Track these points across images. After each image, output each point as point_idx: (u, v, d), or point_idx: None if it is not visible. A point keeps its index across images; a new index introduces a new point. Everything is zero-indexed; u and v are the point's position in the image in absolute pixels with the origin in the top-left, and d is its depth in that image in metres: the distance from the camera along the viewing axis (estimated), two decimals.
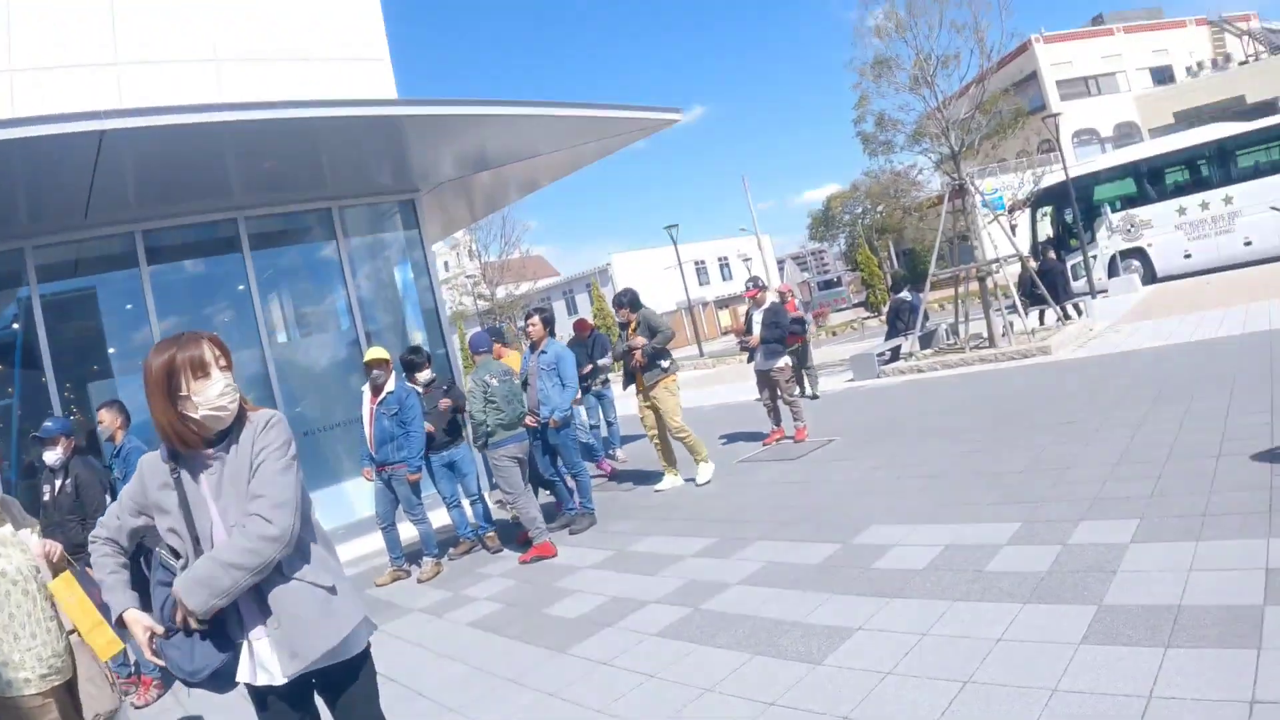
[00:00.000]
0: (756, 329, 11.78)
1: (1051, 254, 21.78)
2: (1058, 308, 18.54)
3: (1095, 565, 5.14)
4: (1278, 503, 5.53)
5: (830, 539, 6.75)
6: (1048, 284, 18.40)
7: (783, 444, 11.57)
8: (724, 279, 70.67)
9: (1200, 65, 60.46)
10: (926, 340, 18.18)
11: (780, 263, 71.86)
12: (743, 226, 65.69)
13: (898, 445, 10.02)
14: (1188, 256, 25.88)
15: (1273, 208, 24.54)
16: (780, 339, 11.67)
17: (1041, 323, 18.95)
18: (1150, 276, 26.22)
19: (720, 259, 71.29)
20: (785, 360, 11.78)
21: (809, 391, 15.36)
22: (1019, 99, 35.11)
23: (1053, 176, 24.87)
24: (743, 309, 14.28)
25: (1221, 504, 5.73)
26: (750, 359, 12.28)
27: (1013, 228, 18.10)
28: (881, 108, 18.06)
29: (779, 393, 11.75)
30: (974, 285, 17.47)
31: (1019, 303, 17.16)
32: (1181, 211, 25.92)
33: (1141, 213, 26.68)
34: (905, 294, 19.81)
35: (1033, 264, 19.93)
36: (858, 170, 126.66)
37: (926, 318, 18.65)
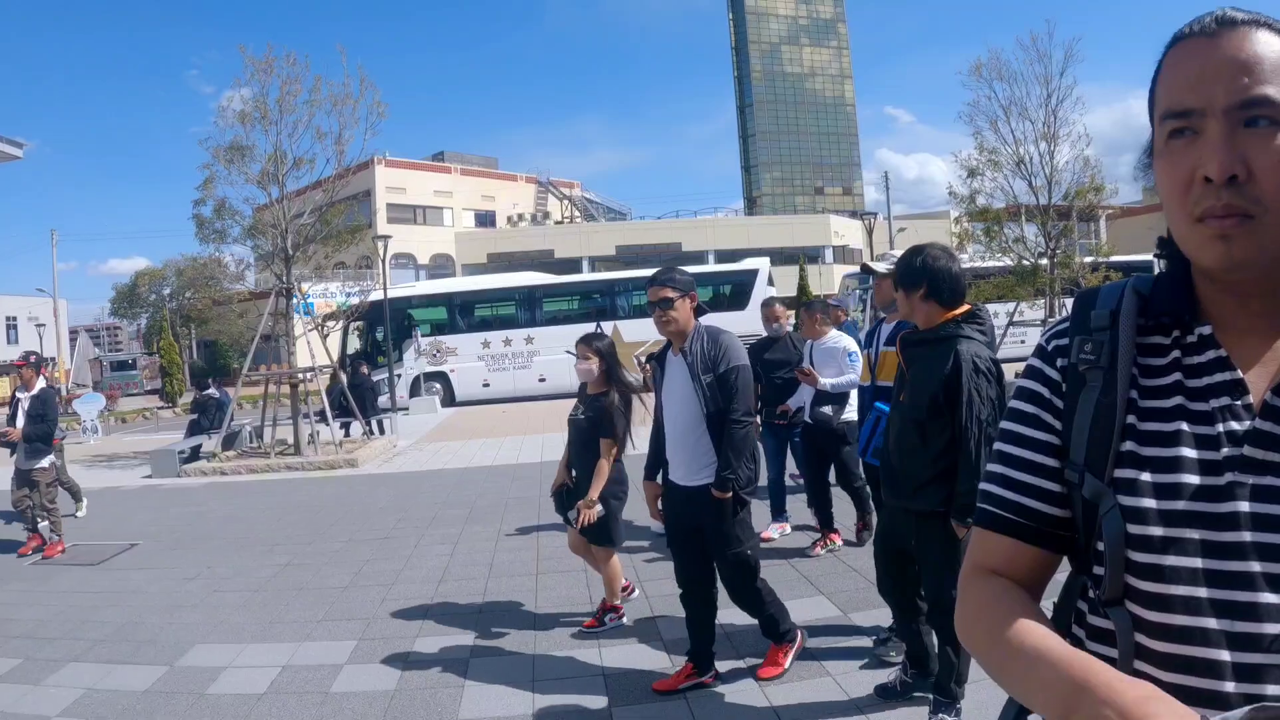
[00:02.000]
0: (21, 419, 9.89)
1: (365, 368, 22.33)
2: (364, 422, 18.96)
3: (442, 681, 5.29)
4: None
5: (153, 661, 6.03)
6: (356, 398, 18.75)
7: (78, 548, 9.97)
8: (10, 342, 61.59)
9: (521, 217, 67.45)
10: (230, 441, 17.47)
11: (73, 334, 65.31)
12: (40, 287, 59.53)
13: (210, 554, 9.34)
14: (486, 385, 28.43)
15: (568, 351, 27.80)
16: (46, 436, 9.96)
17: (347, 435, 19.20)
18: (450, 399, 28.13)
19: (9, 319, 62.48)
20: (50, 460, 10.12)
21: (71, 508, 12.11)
22: (360, 215, 36.17)
23: (375, 294, 25.76)
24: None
25: (552, 618, 6.25)
26: (12, 453, 10.20)
27: (324, 337, 18.28)
28: (227, 194, 17.27)
29: (40, 498, 9.88)
30: (285, 389, 17.29)
31: (329, 413, 17.25)
32: (486, 345, 28.40)
33: (449, 340, 28.67)
34: (213, 390, 19.04)
35: (343, 376, 20.27)
36: (173, 249, 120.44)
37: (232, 417, 18.02)
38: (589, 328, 28.15)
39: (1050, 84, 19.91)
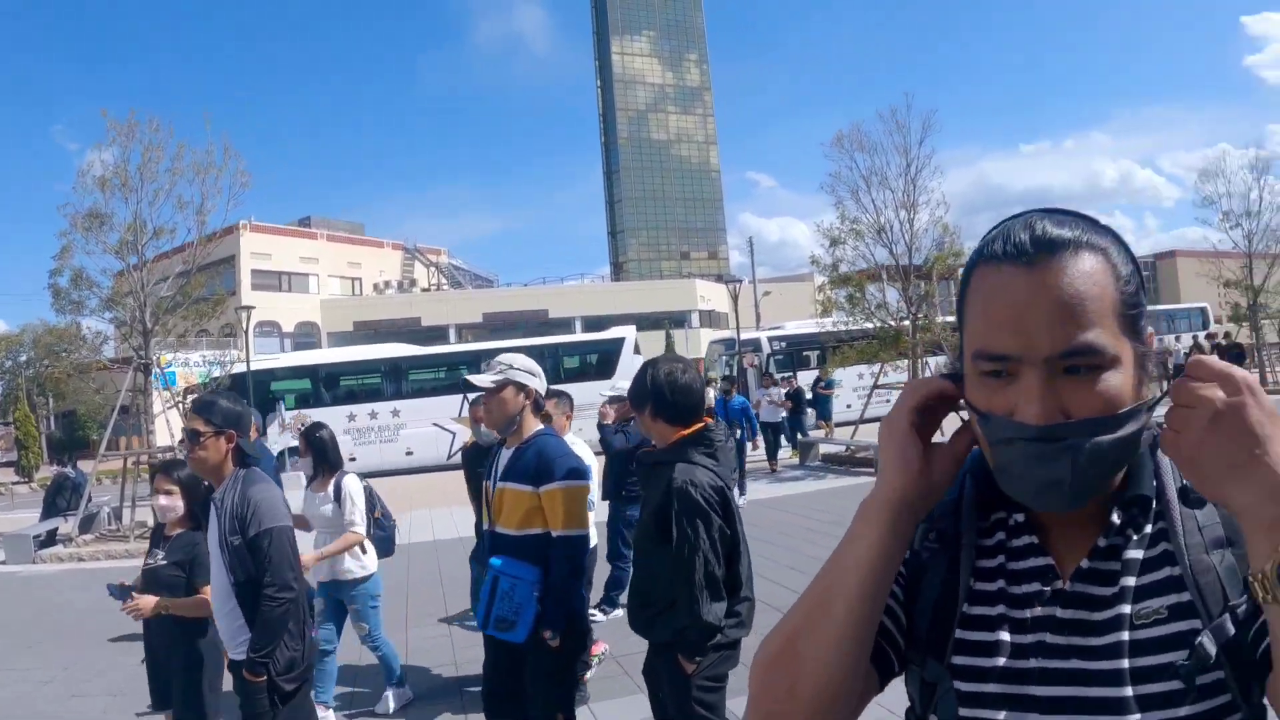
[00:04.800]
0: None
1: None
2: None
3: None
4: None
5: None
6: None
7: None
8: None
9: (388, 284, 67.10)
10: (88, 523, 16.80)
11: None
12: None
13: (69, 651, 8.83)
14: (353, 459, 27.10)
15: (435, 424, 27.70)
16: None
17: None
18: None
19: None
20: None
21: None
22: (220, 287, 35.50)
23: (237, 366, 25.22)
24: None
25: None
26: None
27: (184, 413, 17.71)
28: (84, 264, 16.89)
29: None
30: (145, 467, 16.83)
31: None
32: (352, 418, 27.96)
33: (314, 414, 27.56)
34: (69, 469, 18.42)
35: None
36: (30, 314, 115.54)
37: (89, 498, 17.37)
38: (455, 400, 28.04)
39: (909, 154, 20.38)
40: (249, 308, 27.83)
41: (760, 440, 20.67)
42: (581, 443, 6.43)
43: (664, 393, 3.81)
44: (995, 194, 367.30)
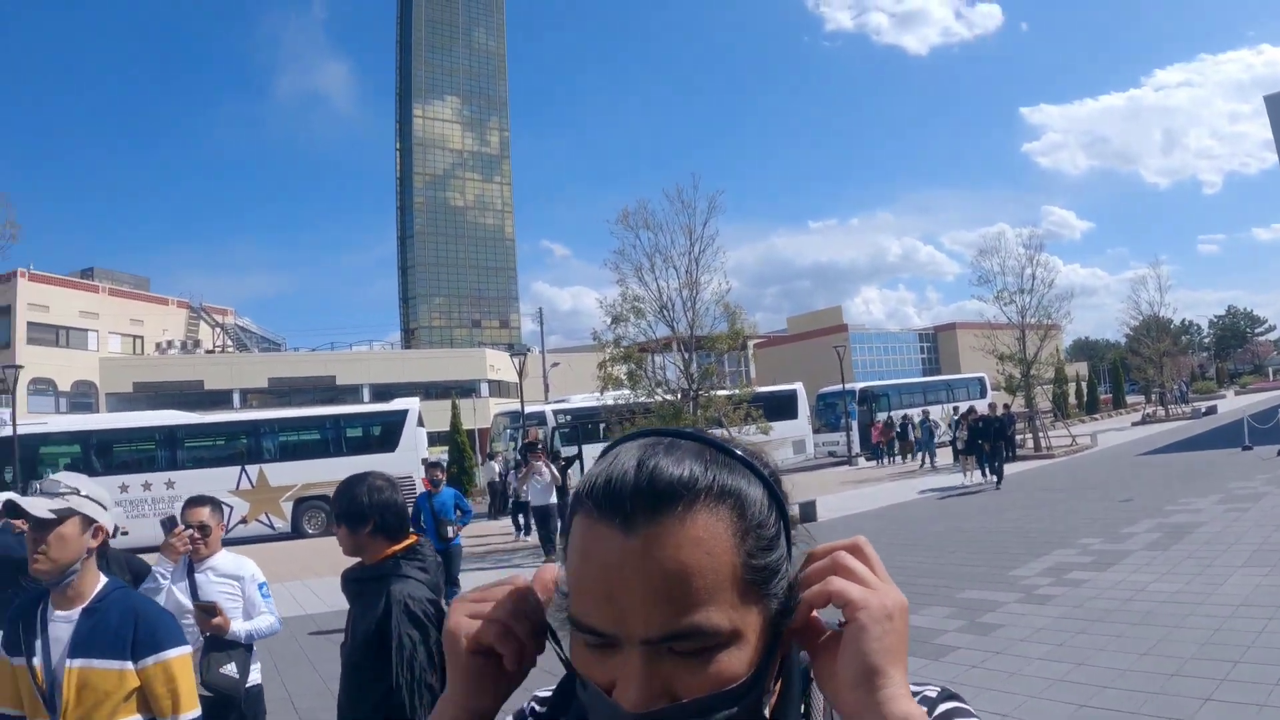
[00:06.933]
0: None
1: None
2: None
3: None
4: None
5: None
6: None
7: None
8: None
9: (171, 344, 64.23)
10: None
11: None
12: None
13: None
14: (125, 533, 24.85)
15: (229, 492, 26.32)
16: None
17: None
18: None
19: None
20: None
21: None
22: None
23: (5, 428, 24.30)
24: None
25: None
26: None
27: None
28: None
29: None
30: None
31: None
32: (124, 489, 26.74)
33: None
34: None
35: None
36: None
37: None
38: (233, 471, 27.84)
39: (694, 233, 20.91)
40: (17, 367, 26.75)
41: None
42: (244, 559, 5.37)
43: (389, 511, 3.69)
44: (784, 267, 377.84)
